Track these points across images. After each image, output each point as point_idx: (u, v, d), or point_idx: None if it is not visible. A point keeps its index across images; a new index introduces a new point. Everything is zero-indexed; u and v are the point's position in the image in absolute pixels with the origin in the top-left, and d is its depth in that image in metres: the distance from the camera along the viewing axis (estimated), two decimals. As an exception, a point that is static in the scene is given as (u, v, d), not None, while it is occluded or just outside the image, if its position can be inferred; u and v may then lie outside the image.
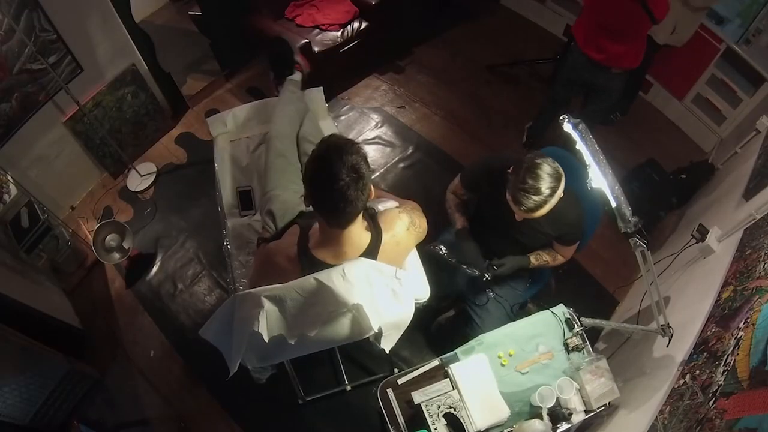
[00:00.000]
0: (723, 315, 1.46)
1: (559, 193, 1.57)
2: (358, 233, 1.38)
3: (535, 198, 1.53)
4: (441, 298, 2.13)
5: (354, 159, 1.22)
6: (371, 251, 1.42)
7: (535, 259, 1.89)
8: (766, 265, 1.40)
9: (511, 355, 1.72)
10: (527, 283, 2.06)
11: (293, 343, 1.42)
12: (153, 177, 3.06)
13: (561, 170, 1.56)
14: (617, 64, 2.38)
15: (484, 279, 1.83)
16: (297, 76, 2.26)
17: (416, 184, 3.01)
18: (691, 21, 2.57)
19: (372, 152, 3.14)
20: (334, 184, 1.21)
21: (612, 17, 2.23)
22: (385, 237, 1.45)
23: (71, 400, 2.23)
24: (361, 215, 1.34)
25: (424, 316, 2.22)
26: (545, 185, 1.52)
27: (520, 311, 2.02)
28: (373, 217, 1.47)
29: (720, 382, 1.25)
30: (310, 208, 1.71)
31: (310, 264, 1.40)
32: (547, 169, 1.53)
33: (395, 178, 3.02)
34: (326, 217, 1.31)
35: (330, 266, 1.38)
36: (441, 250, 1.87)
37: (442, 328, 2.36)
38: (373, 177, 3.00)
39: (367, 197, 1.28)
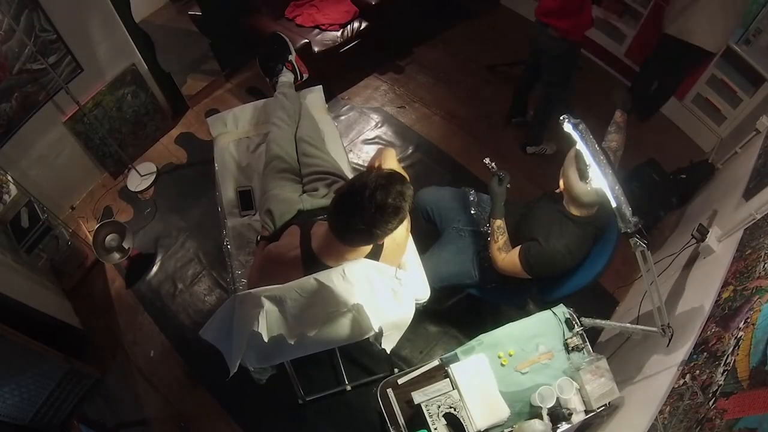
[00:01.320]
0: (723, 315, 1.46)
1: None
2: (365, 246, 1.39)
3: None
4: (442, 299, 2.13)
5: (398, 201, 1.24)
6: (373, 256, 1.43)
7: (500, 224, 1.86)
8: (766, 265, 1.40)
9: (511, 355, 1.72)
10: (473, 262, 2.02)
11: (293, 343, 1.42)
12: (153, 177, 3.06)
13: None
14: (551, 21, 2.43)
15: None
16: (288, 76, 2.25)
17: (416, 184, 2.93)
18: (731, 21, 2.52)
19: (372, 152, 3.14)
20: (361, 219, 1.24)
21: None
22: (387, 241, 1.45)
23: (71, 400, 2.23)
24: None
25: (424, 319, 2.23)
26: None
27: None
28: None
29: (720, 382, 1.25)
30: (309, 206, 1.72)
31: (313, 266, 1.40)
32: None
33: (395, 178, 3.02)
34: (338, 236, 1.32)
35: (330, 268, 1.38)
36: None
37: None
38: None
39: (388, 235, 1.31)
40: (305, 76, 2.33)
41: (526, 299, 2.16)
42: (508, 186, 1.86)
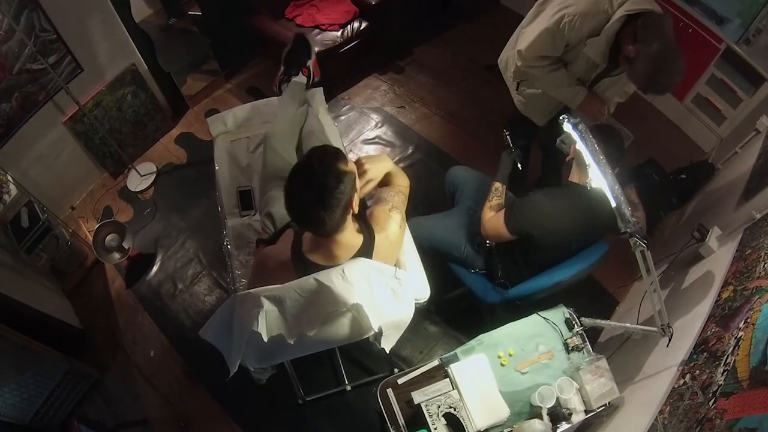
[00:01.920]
0: (723, 315, 1.46)
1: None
2: (348, 237, 1.38)
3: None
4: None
5: (321, 178, 1.23)
6: (364, 252, 1.42)
7: (500, 187, 1.94)
8: (766, 265, 1.40)
9: (511, 355, 1.72)
10: (466, 239, 2.05)
11: (293, 343, 1.42)
12: (153, 177, 3.06)
13: None
14: None
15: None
16: (302, 79, 2.25)
17: (416, 184, 2.94)
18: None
19: (372, 152, 3.14)
20: (295, 205, 1.27)
21: None
22: (378, 238, 1.45)
23: (71, 400, 2.23)
24: (349, 219, 1.34)
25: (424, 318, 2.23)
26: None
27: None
28: (363, 216, 1.47)
29: (720, 382, 1.25)
30: None
31: (303, 267, 1.40)
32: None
33: (395, 178, 3.02)
34: (305, 229, 1.35)
35: (323, 268, 1.38)
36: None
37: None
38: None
39: (344, 210, 1.28)
40: (316, 79, 2.33)
41: (498, 299, 2.12)
42: (518, 162, 1.96)
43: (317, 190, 1.24)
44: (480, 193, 2.15)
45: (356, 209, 1.34)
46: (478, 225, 1.99)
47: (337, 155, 1.30)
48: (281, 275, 1.41)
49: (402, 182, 1.64)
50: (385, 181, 1.63)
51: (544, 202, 1.76)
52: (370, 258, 1.43)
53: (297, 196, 1.27)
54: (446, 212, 2.18)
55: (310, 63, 2.28)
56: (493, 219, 1.84)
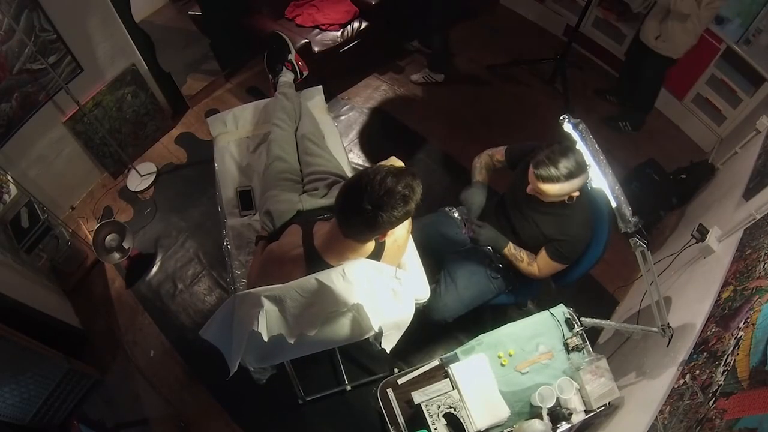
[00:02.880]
0: (723, 315, 1.46)
1: (575, 185, 1.59)
2: (369, 244, 1.39)
3: (552, 170, 1.56)
4: None
5: (410, 195, 1.25)
6: (374, 256, 1.43)
7: (513, 248, 1.87)
8: (766, 265, 1.40)
9: (511, 355, 1.72)
10: (488, 277, 2.01)
11: (293, 342, 1.42)
12: (153, 177, 3.06)
13: (587, 167, 1.57)
14: None
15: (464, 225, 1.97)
16: (289, 76, 2.25)
17: None
18: (680, 32, 2.52)
19: (372, 152, 3.14)
20: (357, 196, 1.24)
21: None
22: (388, 242, 1.45)
23: (71, 400, 2.23)
24: None
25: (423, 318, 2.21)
26: (565, 164, 1.55)
27: (472, 301, 2.00)
28: None
29: (720, 382, 1.25)
30: (308, 207, 1.72)
31: (315, 264, 1.40)
32: (576, 154, 1.56)
33: (395, 178, 3.02)
34: (343, 220, 1.32)
35: (332, 267, 1.38)
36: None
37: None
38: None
39: (383, 231, 1.31)
40: (305, 73, 2.33)
41: (512, 300, 2.14)
42: (480, 227, 1.89)
43: (389, 206, 1.23)
44: (449, 237, 2.12)
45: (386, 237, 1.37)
46: (481, 259, 2.00)
47: (418, 193, 1.29)
48: (289, 270, 1.41)
49: None
50: None
51: (579, 233, 1.76)
52: (379, 261, 1.44)
53: (373, 195, 1.24)
54: (450, 276, 2.02)
55: (292, 57, 2.27)
56: (544, 268, 1.85)
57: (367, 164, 3.07)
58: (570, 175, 1.56)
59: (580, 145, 1.49)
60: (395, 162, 1.67)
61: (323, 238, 1.42)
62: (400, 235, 1.50)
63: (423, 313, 1.81)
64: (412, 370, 1.71)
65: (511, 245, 1.88)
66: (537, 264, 1.86)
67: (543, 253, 1.83)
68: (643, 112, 3.15)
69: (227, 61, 3.45)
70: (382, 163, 1.50)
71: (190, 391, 2.40)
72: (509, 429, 1.61)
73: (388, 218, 1.25)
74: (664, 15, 2.50)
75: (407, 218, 1.32)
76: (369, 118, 3.31)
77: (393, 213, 1.25)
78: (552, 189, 1.60)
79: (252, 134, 2.27)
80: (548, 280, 2.10)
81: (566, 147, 1.58)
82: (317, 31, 3.13)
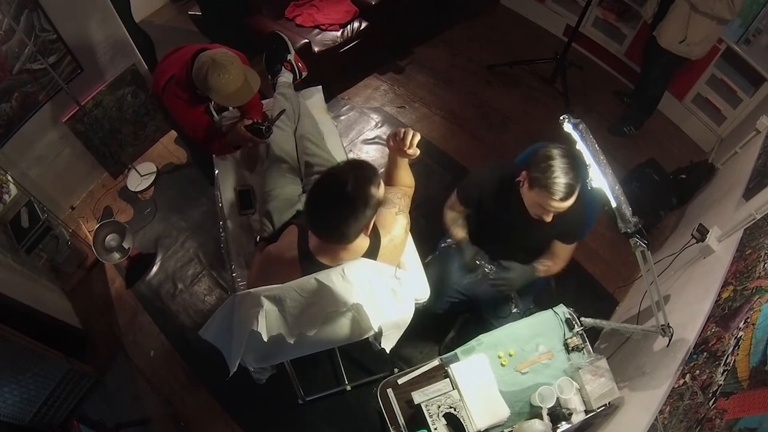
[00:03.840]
0: (723, 315, 1.46)
1: (581, 179, 1.56)
2: (356, 243, 1.38)
3: (567, 183, 1.51)
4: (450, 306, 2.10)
5: (350, 200, 1.24)
6: (369, 255, 1.43)
7: (541, 267, 1.86)
8: (766, 265, 1.40)
9: (511, 355, 1.72)
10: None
11: (293, 342, 1.42)
12: (153, 177, 3.06)
13: (577, 153, 1.54)
14: None
15: (485, 272, 1.86)
16: (288, 76, 2.25)
17: (416, 184, 2.97)
18: (705, 32, 2.50)
19: (372, 152, 3.14)
20: (316, 213, 1.27)
21: None
22: (384, 241, 1.45)
23: (71, 400, 2.23)
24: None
25: (424, 319, 2.21)
26: (571, 173, 1.52)
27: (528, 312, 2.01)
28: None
29: (720, 382, 1.25)
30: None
31: (310, 265, 1.40)
32: (564, 154, 1.54)
33: (395, 178, 3.02)
34: (318, 236, 1.34)
35: (328, 268, 1.38)
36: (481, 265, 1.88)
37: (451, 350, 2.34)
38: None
39: (360, 230, 1.31)
40: (304, 74, 2.32)
41: (548, 284, 2.17)
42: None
43: (343, 209, 1.24)
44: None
45: (369, 230, 1.36)
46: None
47: (373, 179, 1.28)
48: (286, 272, 1.41)
49: (408, 182, 1.66)
50: (392, 180, 1.63)
51: (578, 210, 1.72)
52: (375, 260, 1.44)
53: (322, 206, 1.27)
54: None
55: (291, 57, 2.27)
56: (567, 254, 1.87)
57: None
58: (577, 176, 1.54)
59: (580, 145, 1.49)
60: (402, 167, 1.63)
61: (316, 240, 1.42)
62: (397, 235, 1.49)
63: (422, 312, 1.81)
64: (412, 370, 1.71)
65: (539, 267, 1.86)
66: (558, 257, 1.86)
67: (560, 245, 1.83)
68: (645, 114, 3.15)
69: (227, 61, 3.45)
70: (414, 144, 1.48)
71: (190, 391, 2.40)
72: (509, 429, 1.61)
73: (359, 223, 1.27)
74: (688, 18, 2.46)
75: (377, 206, 1.30)
76: (369, 118, 3.31)
77: (361, 219, 1.26)
78: (573, 199, 1.57)
79: (252, 134, 2.27)
80: (549, 280, 2.10)
81: (552, 156, 1.54)
82: (317, 31, 3.13)
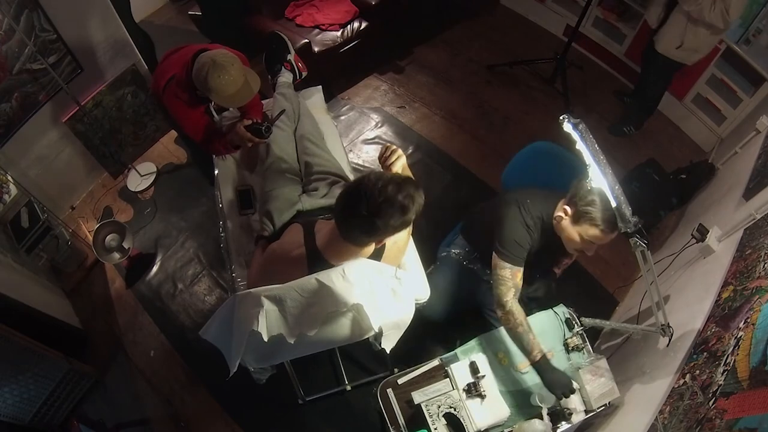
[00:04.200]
0: (723, 315, 1.46)
1: None
2: (370, 247, 1.40)
3: (612, 215, 1.45)
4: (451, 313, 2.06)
5: (410, 205, 1.25)
6: (375, 256, 1.43)
7: (558, 269, 1.94)
8: (766, 265, 1.40)
9: (511, 355, 1.72)
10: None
11: (293, 342, 1.42)
12: (153, 177, 3.06)
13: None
14: None
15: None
16: (288, 76, 2.25)
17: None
18: (701, 40, 2.51)
19: (372, 152, 3.14)
20: (353, 206, 1.25)
21: None
22: (388, 244, 1.45)
23: (71, 400, 2.23)
24: None
25: (424, 320, 2.22)
26: (605, 201, 1.46)
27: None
28: None
29: (720, 382, 1.25)
30: (308, 207, 1.72)
31: (318, 263, 1.40)
32: (599, 193, 1.51)
33: (395, 178, 3.02)
34: (341, 224, 1.32)
35: (333, 266, 1.39)
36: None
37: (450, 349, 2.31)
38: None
39: (381, 237, 1.33)
40: (304, 74, 2.32)
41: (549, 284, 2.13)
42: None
43: (398, 207, 1.24)
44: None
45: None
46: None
47: (418, 203, 1.28)
48: (291, 270, 1.41)
49: None
50: None
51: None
52: (379, 261, 1.44)
53: (374, 202, 1.24)
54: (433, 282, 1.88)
55: (291, 57, 2.27)
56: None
57: (367, 164, 3.08)
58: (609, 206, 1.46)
59: (580, 145, 1.49)
60: (402, 167, 1.64)
61: (325, 238, 1.42)
62: (401, 237, 1.50)
63: (422, 313, 1.81)
64: (412, 370, 1.71)
65: (556, 271, 1.95)
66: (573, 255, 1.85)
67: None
68: (645, 114, 3.15)
69: (227, 61, 3.45)
70: (393, 162, 1.51)
71: (190, 391, 2.40)
72: (509, 429, 1.61)
73: (384, 226, 1.26)
74: (685, 26, 2.48)
75: (406, 227, 1.33)
76: (369, 118, 3.31)
77: (390, 221, 1.26)
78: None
79: (252, 134, 2.27)
80: (549, 280, 2.10)
81: (593, 192, 1.51)
82: (317, 31, 3.13)
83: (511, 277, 1.63)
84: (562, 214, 1.61)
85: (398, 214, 1.25)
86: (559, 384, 1.56)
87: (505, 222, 1.66)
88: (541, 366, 1.57)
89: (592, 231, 1.54)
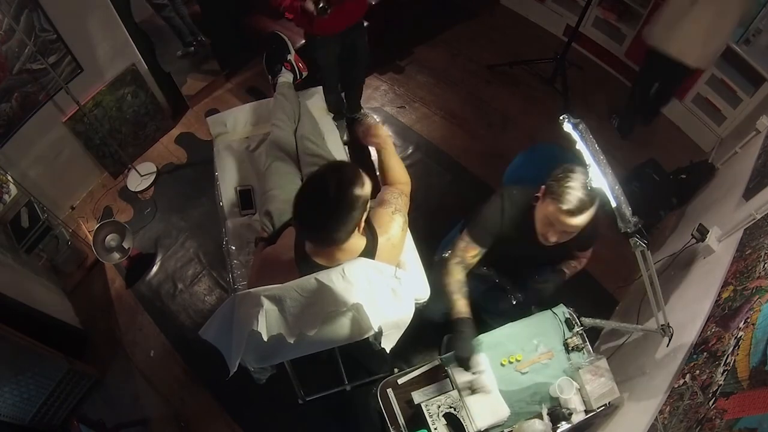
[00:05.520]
0: (723, 315, 1.46)
1: (595, 206, 1.50)
2: (351, 243, 1.38)
3: (580, 198, 1.45)
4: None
5: (335, 204, 1.23)
6: (366, 255, 1.42)
7: (567, 270, 1.81)
8: (766, 265, 1.40)
9: (518, 360, 1.71)
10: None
11: (293, 342, 1.41)
12: (153, 177, 3.06)
13: (585, 165, 1.48)
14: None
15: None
16: (288, 77, 2.25)
17: (416, 184, 2.95)
18: (719, 41, 2.52)
19: (372, 152, 3.14)
20: (304, 220, 1.25)
21: None
22: (381, 240, 1.45)
23: (71, 400, 2.23)
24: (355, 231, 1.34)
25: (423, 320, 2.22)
26: (586, 190, 1.46)
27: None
28: (368, 219, 1.46)
29: (720, 382, 1.25)
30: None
31: (307, 267, 1.40)
32: (585, 172, 1.47)
33: (395, 178, 3.02)
34: (311, 242, 1.34)
35: (326, 269, 1.38)
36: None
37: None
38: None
39: (351, 230, 1.29)
40: (304, 74, 2.32)
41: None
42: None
43: (329, 214, 1.23)
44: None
45: (362, 228, 1.34)
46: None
47: (354, 180, 1.25)
48: (284, 274, 1.41)
49: (402, 178, 1.65)
50: (386, 179, 1.63)
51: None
52: (372, 260, 1.44)
53: (307, 212, 1.26)
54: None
55: (291, 57, 2.27)
56: (585, 254, 1.85)
57: (367, 164, 3.08)
58: (594, 197, 1.46)
59: (580, 145, 1.49)
60: (389, 154, 1.65)
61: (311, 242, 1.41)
62: (394, 234, 1.49)
63: (422, 313, 1.81)
64: (412, 370, 1.71)
65: (566, 270, 1.81)
66: (583, 258, 1.85)
67: (580, 252, 1.82)
68: (655, 112, 3.15)
69: (227, 61, 3.45)
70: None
71: (190, 391, 2.40)
72: (509, 429, 1.61)
73: (347, 225, 1.25)
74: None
75: (366, 206, 1.29)
76: (369, 118, 3.30)
77: (348, 221, 1.25)
78: (582, 219, 1.48)
79: (252, 134, 2.27)
80: (558, 280, 2.08)
81: (571, 176, 1.47)
82: (317, 31, 3.12)
83: (462, 249, 1.70)
84: (539, 194, 1.58)
85: (349, 212, 1.23)
86: (461, 349, 1.62)
87: (483, 206, 1.72)
88: (456, 325, 1.63)
89: (551, 208, 1.49)
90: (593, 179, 1.45)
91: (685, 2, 2.43)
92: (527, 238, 1.64)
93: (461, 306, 1.64)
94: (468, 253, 1.70)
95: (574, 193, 1.46)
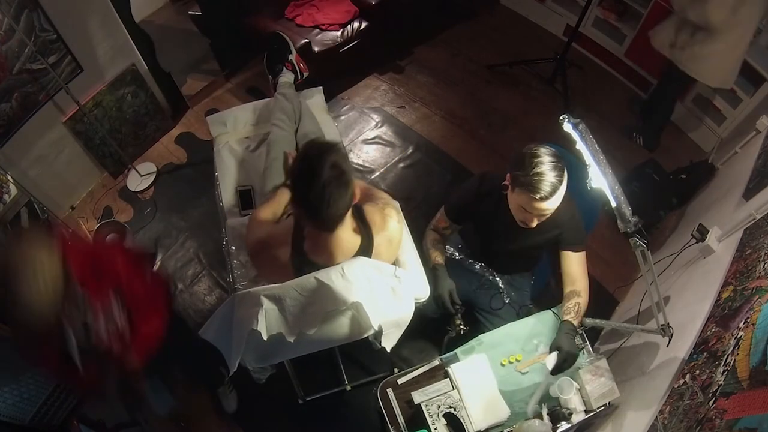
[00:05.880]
0: (723, 315, 1.46)
1: (565, 180, 1.51)
2: (347, 237, 1.37)
3: (550, 182, 1.46)
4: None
5: (334, 158, 1.21)
6: (363, 253, 1.42)
7: (573, 316, 1.69)
8: (766, 265, 1.40)
9: (518, 361, 1.71)
10: (531, 281, 2.05)
11: (292, 341, 1.42)
12: (153, 177, 3.06)
13: (558, 154, 1.52)
14: None
15: (455, 312, 1.73)
16: (289, 77, 2.25)
17: (416, 184, 3.01)
18: (741, 59, 2.53)
19: (372, 152, 3.14)
20: (315, 181, 1.20)
21: None
22: (378, 238, 1.44)
23: (71, 400, 2.23)
24: (349, 215, 1.32)
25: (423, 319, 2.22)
26: (555, 171, 1.47)
27: (525, 310, 1.99)
28: (362, 217, 1.45)
29: (720, 382, 1.25)
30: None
31: (302, 263, 1.40)
32: (549, 153, 1.50)
33: (395, 178, 3.02)
34: (312, 217, 1.29)
35: (320, 267, 1.38)
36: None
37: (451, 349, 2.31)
38: (372, 177, 3.03)
39: (351, 197, 1.27)
40: (305, 74, 2.33)
41: (548, 284, 2.17)
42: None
43: (333, 168, 1.20)
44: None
45: (358, 196, 1.31)
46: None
47: (345, 154, 1.28)
48: (280, 264, 1.41)
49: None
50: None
51: (568, 210, 1.70)
52: (370, 257, 1.44)
53: (315, 173, 1.21)
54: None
55: (292, 57, 2.27)
56: (581, 267, 1.79)
57: (367, 164, 3.08)
58: (561, 175, 1.49)
59: (580, 145, 1.49)
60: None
61: (309, 239, 1.41)
62: (392, 228, 1.49)
63: (422, 312, 1.81)
64: (412, 370, 1.71)
65: (571, 319, 1.68)
66: (579, 282, 1.76)
67: (568, 260, 1.74)
68: (658, 129, 3.13)
69: (227, 61, 3.46)
70: None
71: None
72: (509, 429, 1.61)
73: (340, 194, 1.22)
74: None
75: (353, 181, 1.28)
76: (369, 118, 3.31)
77: (343, 192, 1.23)
78: (557, 199, 1.51)
79: (252, 134, 2.27)
80: (549, 280, 2.10)
81: (535, 154, 1.49)
82: (317, 31, 3.13)
83: (437, 219, 1.90)
84: (507, 182, 1.58)
85: (341, 180, 1.22)
86: (438, 287, 1.75)
87: (461, 185, 1.85)
88: (432, 271, 1.79)
89: (523, 197, 1.51)
90: (592, 179, 1.46)
91: (708, 32, 2.42)
92: (506, 221, 1.68)
93: (436, 256, 1.84)
94: (440, 224, 1.90)
95: (545, 180, 1.47)
